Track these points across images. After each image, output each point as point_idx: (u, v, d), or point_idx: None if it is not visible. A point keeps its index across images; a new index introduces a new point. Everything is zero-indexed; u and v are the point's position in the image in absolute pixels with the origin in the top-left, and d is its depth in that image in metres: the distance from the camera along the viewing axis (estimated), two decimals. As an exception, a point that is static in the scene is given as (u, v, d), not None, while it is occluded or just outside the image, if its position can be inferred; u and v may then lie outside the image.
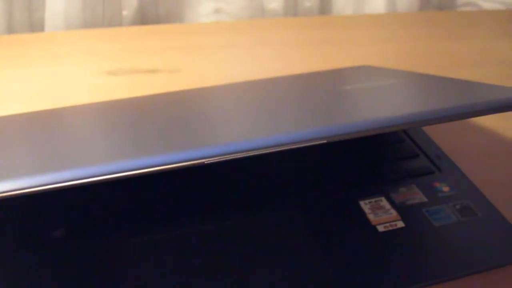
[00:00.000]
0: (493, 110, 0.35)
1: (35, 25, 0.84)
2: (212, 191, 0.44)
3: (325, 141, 0.33)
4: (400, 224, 0.42)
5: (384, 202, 0.44)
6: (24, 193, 0.29)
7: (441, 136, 0.52)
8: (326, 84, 0.52)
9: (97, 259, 0.38)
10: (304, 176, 0.46)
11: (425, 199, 0.44)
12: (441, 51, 0.70)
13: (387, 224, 0.42)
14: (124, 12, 0.86)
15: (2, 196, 0.29)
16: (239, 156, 0.32)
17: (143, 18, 0.88)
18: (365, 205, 0.43)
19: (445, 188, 0.45)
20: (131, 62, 0.64)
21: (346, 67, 0.60)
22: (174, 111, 0.46)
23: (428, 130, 0.53)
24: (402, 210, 0.43)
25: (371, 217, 0.42)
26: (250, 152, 0.32)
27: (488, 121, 0.56)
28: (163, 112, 0.46)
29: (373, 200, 0.44)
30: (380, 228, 0.42)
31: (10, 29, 0.82)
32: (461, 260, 0.40)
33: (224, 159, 0.32)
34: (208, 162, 0.31)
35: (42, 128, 0.45)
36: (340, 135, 0.33)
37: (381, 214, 0.43)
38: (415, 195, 0.44)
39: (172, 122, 0.42)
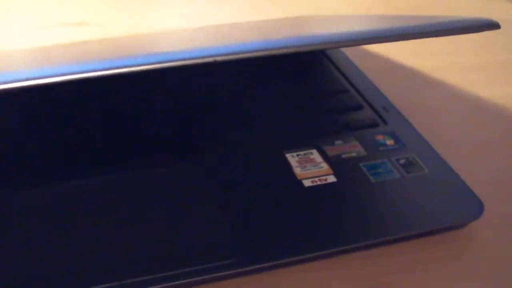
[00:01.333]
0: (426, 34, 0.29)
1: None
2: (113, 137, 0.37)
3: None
4: (331, 178, 0.35)
5: (315, 155, 0.37)
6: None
7: (395, 90, 0.46)
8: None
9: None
10: (225, 118, 0.39)
11: (364, 153, 0.37)
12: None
13: (316, 179, 0.35)
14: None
15: None
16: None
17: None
18: (291, 157, 0.36)
19: (389, 141, 0.39)
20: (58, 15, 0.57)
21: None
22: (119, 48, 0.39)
23: (378, 82, 0.46)
24: (336, 164, 0.36)
25: (297, 170, 0.36)
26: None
27: (448, 77, 0.49)
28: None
29: (301, 152, 0.37)
30: (307, 183, 0.35)
31: None
32: (402, 220, 0.33)
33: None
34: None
35: None
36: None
37: (310, 167, 0.36)
38: (352, 148, 0.38)
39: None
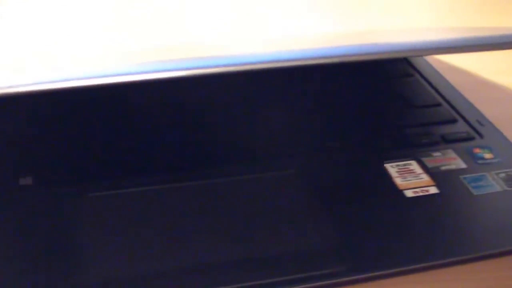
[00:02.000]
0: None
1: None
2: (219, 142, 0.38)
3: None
4: (433, 190, 0.35)
5: (414, 165, 0.37)
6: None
7: (487, 104, 0.45)
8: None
9: (63, 209, 0.33)
10: (327, 131, 0.40)
11: (463, 165, 0.37)
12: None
13: (417, 190, 0.35)
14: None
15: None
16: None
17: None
18: (391, 168, 0.37)
19: (488, 155, 0.38)
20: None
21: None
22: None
23: (470, 96, 0.46)
24: (436, 175, 0.36)
25: (397, 180, 0.36)
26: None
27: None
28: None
29: (401, 163, 0.37)
30: (409, 193, 0.35)
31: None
32: (505, 234, 0.33)
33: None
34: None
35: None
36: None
37: (410, 178, 0.36)
38: (451, 161, 0.38)
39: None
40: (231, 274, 0.30)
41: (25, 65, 0.29)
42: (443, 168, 0.37)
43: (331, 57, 0.30)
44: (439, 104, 0.44)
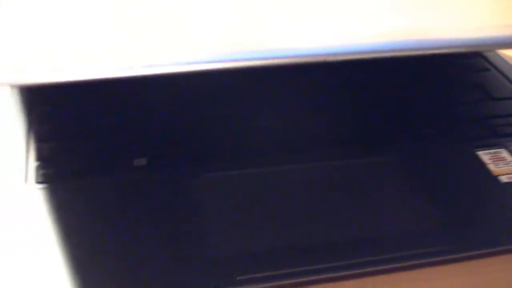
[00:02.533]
0: None
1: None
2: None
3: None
4: (526, 176, 0.37)
5: (504, 153, 0.39)
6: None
7: None
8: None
9: (178, 188, 0.35)
10: (421, 120, 0.42)
11: (549, 154, 0.39)
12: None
13: (511, 176, 0.37)
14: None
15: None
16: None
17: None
18: (484, 155, 0.39)
19: None
20: None
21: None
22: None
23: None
24: (527, 163, 0.38)
25: (491, 167, 0.38)
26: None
27: None
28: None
29: (492, 151, 0.39)
30: (503, 179, 0.37)
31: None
32: None
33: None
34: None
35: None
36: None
37: (502, 165, 0.38)
38: (540, 150, 0.39)
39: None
40: (343, 252, 0.32)
41: (139, 49, 0.31)
42: (534, 156, 0.39)
43: (414, 49, 0.32)
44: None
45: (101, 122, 0.39)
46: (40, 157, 0.36)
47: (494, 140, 0.40)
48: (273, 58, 0.31)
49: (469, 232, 0.33)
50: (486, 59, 0.50)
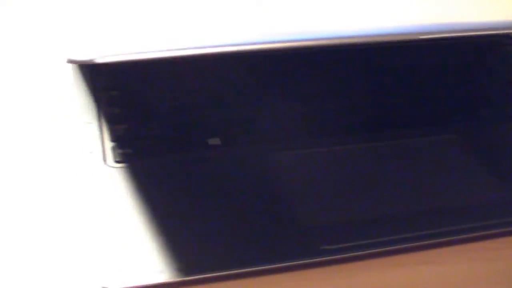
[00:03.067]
0: None
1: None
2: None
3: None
4: None
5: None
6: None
7: None
8: None
9: (253, 165, 0.36)
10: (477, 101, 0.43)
11: None
12: None
13: None
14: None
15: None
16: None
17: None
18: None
19: None
20: None
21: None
22: None
23: None
24: None
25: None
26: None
27: None
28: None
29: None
30: None
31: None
32: None
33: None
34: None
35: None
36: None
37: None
38: None
39: None
40: (420, 222, 0.33)
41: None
42: None
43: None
44: None
45: (172, 103, 0.40)
46: (115, 138, 0.38)
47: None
48: (320, 39, 0.32)
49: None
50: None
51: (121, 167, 0.36)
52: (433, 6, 0.37)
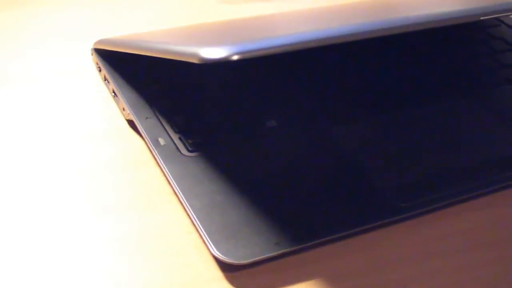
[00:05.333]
0: None
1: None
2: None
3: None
4: None
5: None
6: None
7: None
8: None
9: (307, 145, 0.40)
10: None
11: None
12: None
13: None
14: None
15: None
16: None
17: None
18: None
19: None
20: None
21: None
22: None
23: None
24: None
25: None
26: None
27: None
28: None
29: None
30: None
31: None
32: None
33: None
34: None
35: (221, 28, 0.45)
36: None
37: None
38: None
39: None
40: (482, 172, 0.39)
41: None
42: None
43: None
44: None
45: (221, 93, 0.43)
46: (179, 129, 0.40)
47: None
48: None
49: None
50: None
51: (195, 155, 0.38)
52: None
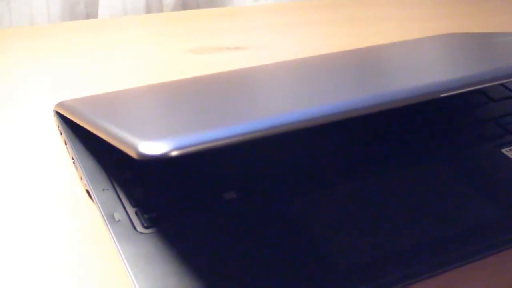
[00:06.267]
0: None
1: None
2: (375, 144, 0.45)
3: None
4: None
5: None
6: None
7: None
8: (431, 49, 0.54)
9: (268, 219, 0.39)
10: (445, 129, 0.48)
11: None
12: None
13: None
14: (167, 1, 0.86)
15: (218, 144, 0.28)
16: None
17: (184, 6, 0.88)
18: (508, 151, 0.45)
19: None
20: (212, 41, 0.64)
21: (435, 36, 0.62)
22: (308, 76, 0.47)
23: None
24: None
25: (520, 161, 0.45)
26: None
27: None
28: (300, 76, 0.47)
29: (514, 147, 0.46)
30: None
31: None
32: None
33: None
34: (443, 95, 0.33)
35: (179, 94, 0.44)
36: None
37: (528, 159, 0.45)
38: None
39: (324, 81, 0.43)
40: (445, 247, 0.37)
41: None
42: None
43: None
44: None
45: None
46: (136, 202, 0.39)
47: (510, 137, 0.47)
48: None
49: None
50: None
51: (151, 232, 0.37)
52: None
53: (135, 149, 0.27)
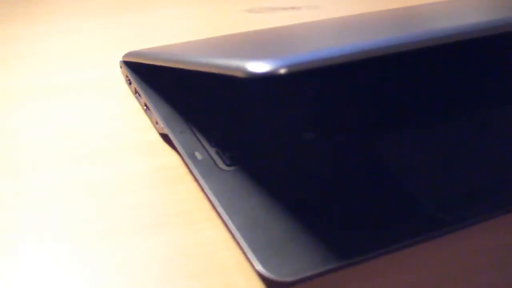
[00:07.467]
0: None
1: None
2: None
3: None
4: None
5: None
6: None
7: None
8: None
9: (345, 157, 0.39)
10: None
11: None
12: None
13: None
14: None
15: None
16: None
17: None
18: None
19: None
20: (267, 1, 0.64)
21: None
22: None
23: None
24: None
25: None
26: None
27: None
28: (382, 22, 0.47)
29: None
30: None
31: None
32: None
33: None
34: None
35: (258, 39, 0.44)
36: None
37: None
38: None
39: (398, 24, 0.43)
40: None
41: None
42: None
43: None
44: None
45: (256, 105, 0.42)
46: (215, 143, 0.39)
47: None
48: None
49: None
50: None
51: (234, 169, 0.37)
52: None
53: (243, 68, 0.27)
